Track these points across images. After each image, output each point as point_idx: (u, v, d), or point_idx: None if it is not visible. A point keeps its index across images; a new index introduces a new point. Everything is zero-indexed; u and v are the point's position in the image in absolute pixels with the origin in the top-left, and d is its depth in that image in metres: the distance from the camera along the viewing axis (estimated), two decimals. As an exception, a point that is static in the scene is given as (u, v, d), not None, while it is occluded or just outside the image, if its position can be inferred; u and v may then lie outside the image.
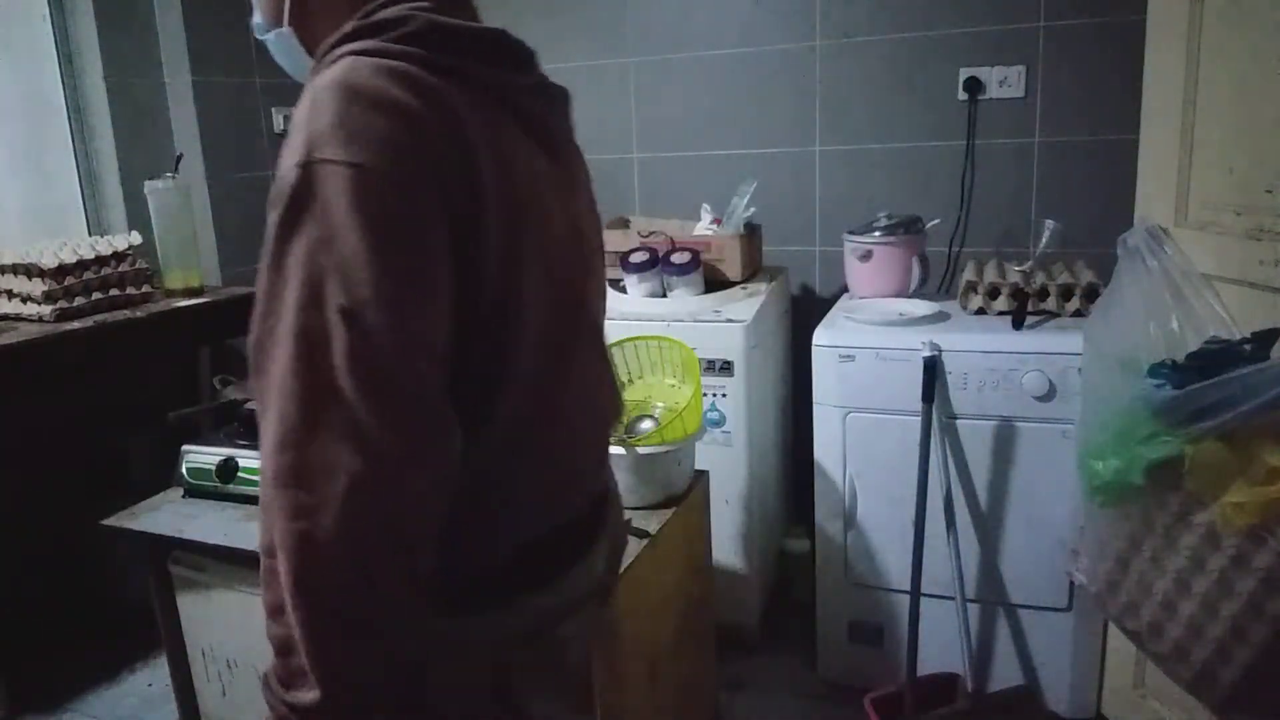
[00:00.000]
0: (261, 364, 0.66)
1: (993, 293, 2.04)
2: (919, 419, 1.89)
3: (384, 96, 0.67)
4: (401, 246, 0.66)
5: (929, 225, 2.24)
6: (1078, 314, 1.95)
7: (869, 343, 1.96)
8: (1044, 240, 2.04)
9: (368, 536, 0.64)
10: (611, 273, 2.26)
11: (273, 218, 0.66)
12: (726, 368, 2.12)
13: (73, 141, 2.50)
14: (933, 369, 1.87)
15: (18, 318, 2.10)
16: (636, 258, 2.29)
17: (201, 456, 1.72)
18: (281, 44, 0.84)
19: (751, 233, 2.39)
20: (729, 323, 2.13)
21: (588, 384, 0.90)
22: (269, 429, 0.65)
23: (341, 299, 0.63)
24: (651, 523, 1.59)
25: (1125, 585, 1.53)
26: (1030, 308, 1.96)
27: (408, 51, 0.71)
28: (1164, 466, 1.38)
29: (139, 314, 2.20)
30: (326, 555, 0.62)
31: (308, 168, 0.65)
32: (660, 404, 1.77)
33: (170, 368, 2.53)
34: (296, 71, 0.85)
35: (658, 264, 2.27)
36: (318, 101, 0.67)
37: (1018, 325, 1.92)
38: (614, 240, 2.37)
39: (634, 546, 1.49)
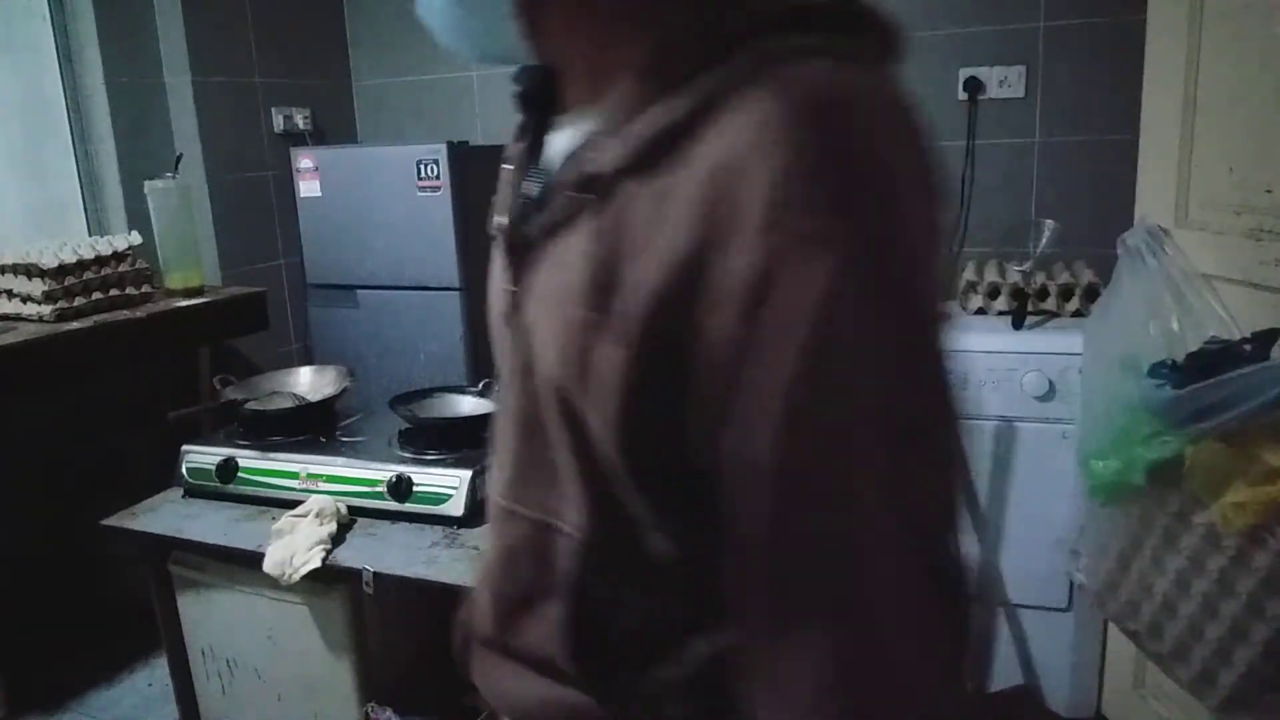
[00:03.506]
0: None
1: (993, 293, 2.04)
2: (919, 419, 1.89)
3: None
4: None
5: (929, 225, 2.24)
6: (1078, 314, 1.95)
7: (869, 343, 1.96)
8: (1044, 240, 2.04)
9: None
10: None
11: None
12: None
13: (73, 141, 2.49)
14: (933, 369, 1.87)
15: (18, 318, 2.10)
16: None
17: (201, 456, 1.72)
18: None
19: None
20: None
21: None
22: None
23: None
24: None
25: (1125, 585, 1.53)
26: (1030, 308, 1.96)
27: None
28: (1164, 466, 1.38)
29: (139, 314, 2.19)
30: None
31: None
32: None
33: (170, 368, 2.53)
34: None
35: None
36: None
37: (1018, 325, 1.92)
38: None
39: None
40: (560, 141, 0.62)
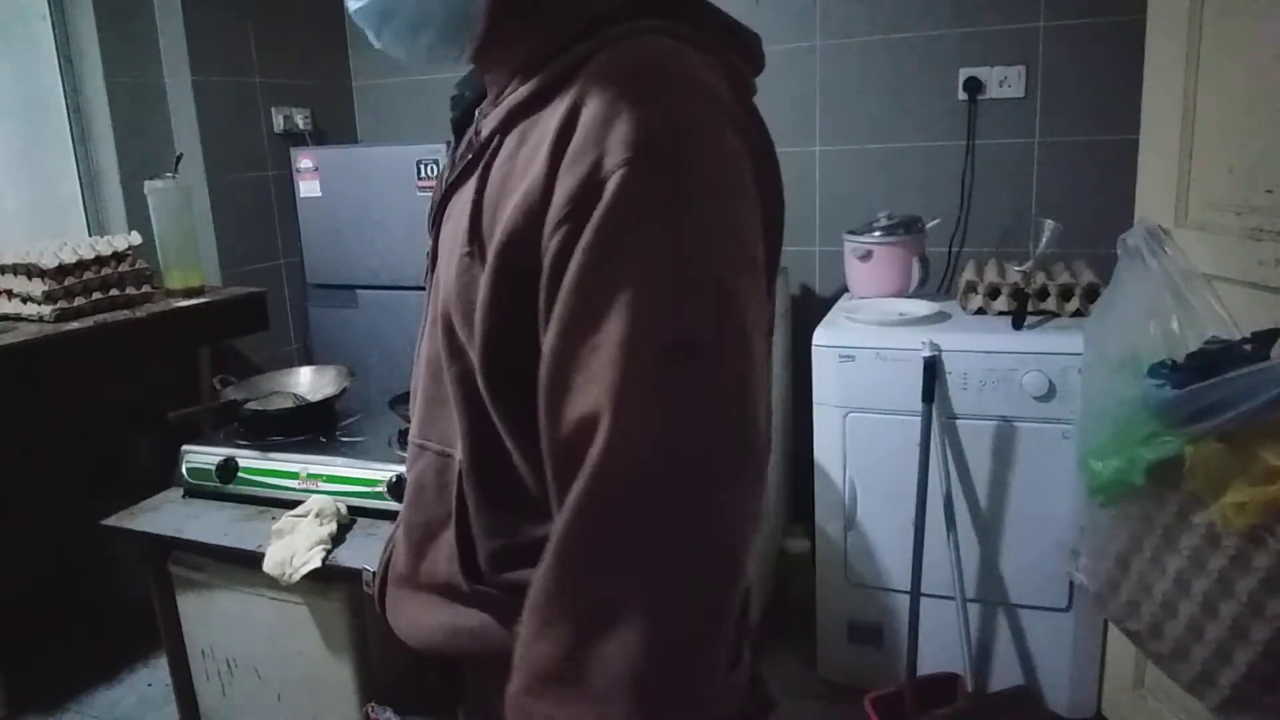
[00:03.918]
0: None
1: (993, 293, 2.04)
2: (919, 419, 1.89)
3: None
4: None
5: (929, 225, 2.24)
6: (1078, 314, 1.95)
7: (869, 343, 1.96)
8: (1044, 240, 2.04)
9: None
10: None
11: None
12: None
13: (73, 141, 2.49)
14: (933, 369, 1.87)
15: (18, 318, 2.10)
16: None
17: (201, 456, 1.72)
18: None
19: (751, 233, 2.39)
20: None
21: None
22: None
23: None
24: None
25: (1125, 585, 1.53)
26: (1030, 308, 1.96)
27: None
28: (1164, 466, 1.38)
29: (139, 314, 2.19)
30: None
31: None
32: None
33: (170, 368, 2.53)
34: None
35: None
36: None
37: (1018, 325, 1.92)
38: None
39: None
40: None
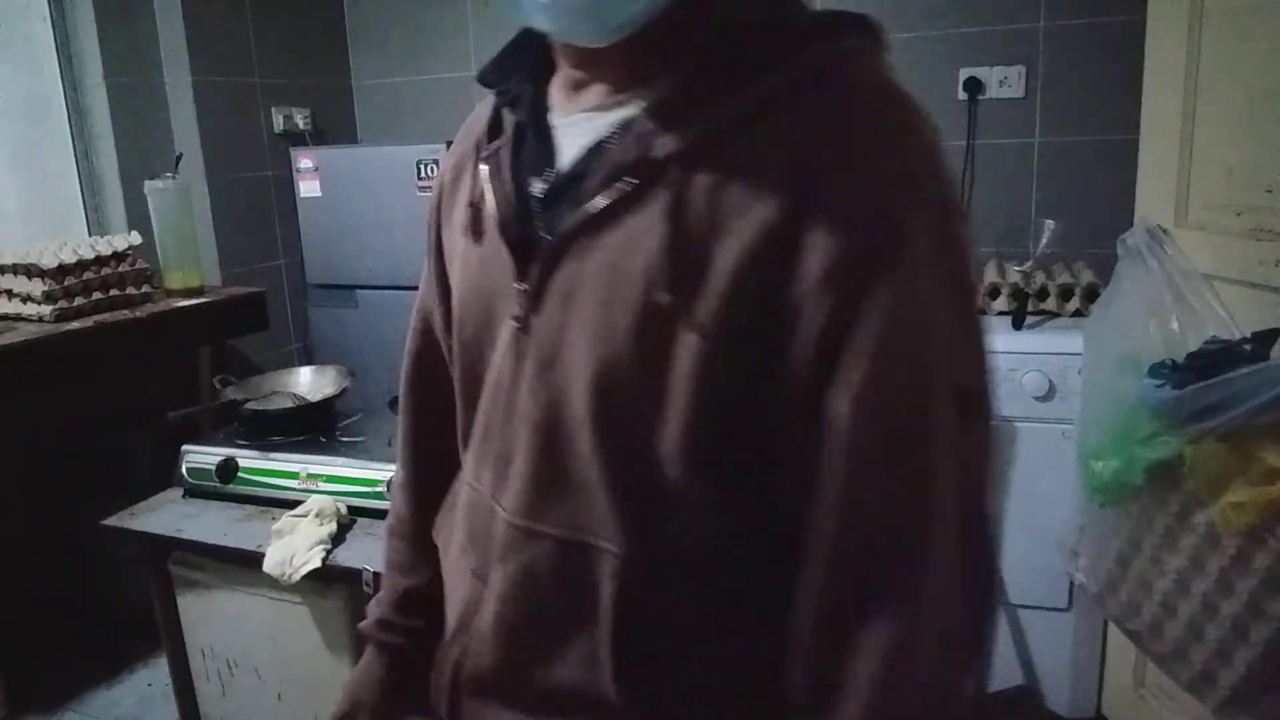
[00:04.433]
0: None
1: (993, 293, 2.04)
2: (919, 419, 1.89)
3: None
4: None
5: (929, 225, 2.24)
6: (1078, 314, 1.95)
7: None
8: (1044, 240, 2.04)
9: None
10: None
11: None
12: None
13: (73, 141, 2.49)
14: (933, 369, 1.87)
15: (18, 318, 2.10)
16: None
17: (201, 456, 1.72)
18: None
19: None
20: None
21: None
22: None
23: None
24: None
25: (1125, 585, 1.53)
26: (1030, 308, 1.96)
27: None
28: (1164, 466, 1.38)
29: (139, 314, 2.19)
30: None
31: None
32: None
33: (170, 368, 2.53)
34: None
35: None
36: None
37: (1018, 325, 1.91)
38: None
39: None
40: (574, 138, 0.61)
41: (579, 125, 0.61)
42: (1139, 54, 1.75)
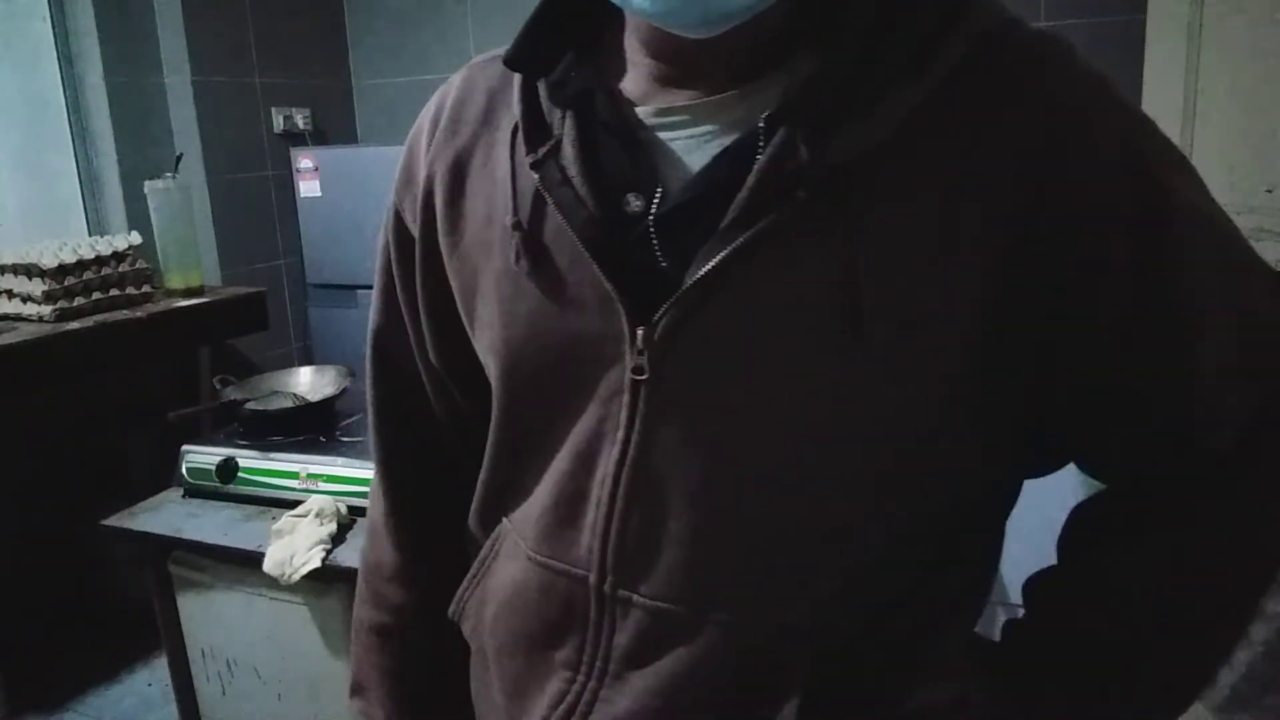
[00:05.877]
0: None
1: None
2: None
3: None
4: None
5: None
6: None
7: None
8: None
9: None
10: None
11: None
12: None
13: (73, 141, 2.49)
14: (933, 369, 1.87)
15: (18, 318, 2.10)
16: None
17: (201, 456, 1.72)
18: None
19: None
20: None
21: None
22: None
23: None
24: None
25: (1125, 585, 1.53)
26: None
27: None
28: (1164, 466, 1.38)
29: (139, 314, 2.19)
30: None
31: None
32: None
33: (170, 368, 2.53)
34: None
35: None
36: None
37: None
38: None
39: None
40: (689, 142, 0.51)
41: (689, 125, 0.51)
42: (1139, 54, 1.75)
